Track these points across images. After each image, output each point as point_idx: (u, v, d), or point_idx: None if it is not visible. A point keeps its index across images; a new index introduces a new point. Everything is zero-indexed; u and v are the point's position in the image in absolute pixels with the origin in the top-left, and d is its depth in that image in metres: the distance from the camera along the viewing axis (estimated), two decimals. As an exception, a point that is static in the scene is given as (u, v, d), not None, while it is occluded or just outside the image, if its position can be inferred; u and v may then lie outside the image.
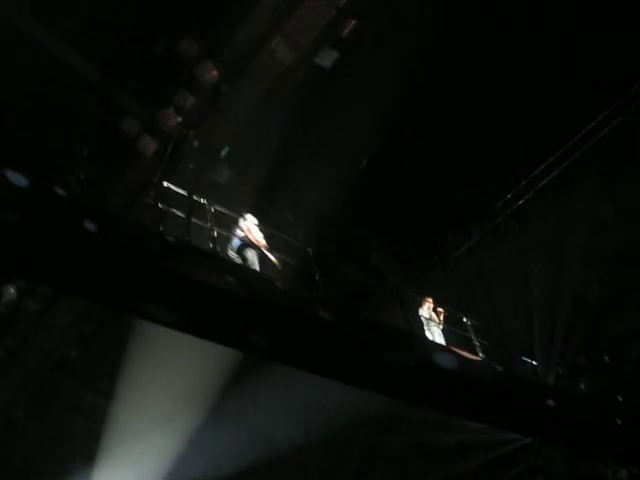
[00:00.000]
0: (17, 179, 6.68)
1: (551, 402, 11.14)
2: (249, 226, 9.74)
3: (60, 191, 7.36)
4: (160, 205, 9.07)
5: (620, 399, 13.84)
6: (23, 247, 6.95)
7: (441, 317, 11.49)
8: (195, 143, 13.29)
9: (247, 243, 9.57)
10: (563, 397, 11.84)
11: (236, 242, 9.61)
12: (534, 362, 13.55)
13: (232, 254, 9.55)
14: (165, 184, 9.65)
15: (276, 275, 9.37)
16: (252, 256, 9.47)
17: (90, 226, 6.97)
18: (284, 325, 8.34)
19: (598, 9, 12.48)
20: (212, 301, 7.83)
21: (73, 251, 7.06)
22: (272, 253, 9.76)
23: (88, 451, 16.70)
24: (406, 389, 9.93)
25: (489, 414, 11.10)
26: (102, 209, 9.35)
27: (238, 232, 9.65)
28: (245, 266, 9.32)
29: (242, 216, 9.85)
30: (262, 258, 9.65)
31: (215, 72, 12.79)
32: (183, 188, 11.41)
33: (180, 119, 13.03)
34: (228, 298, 7.86)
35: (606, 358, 15.04)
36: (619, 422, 11.62)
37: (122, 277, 7.48)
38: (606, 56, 12.72)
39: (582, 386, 15.19)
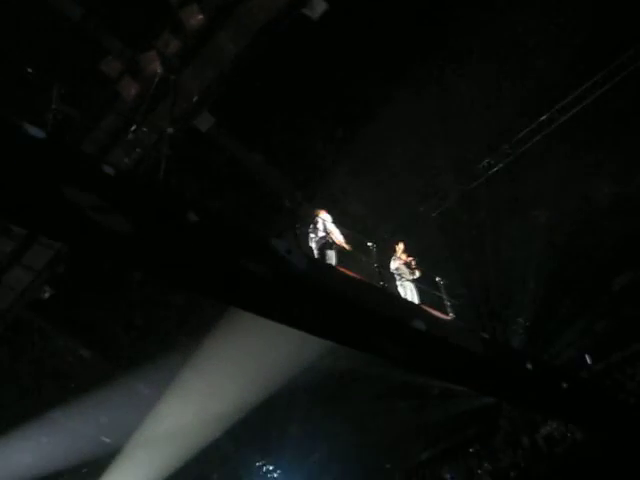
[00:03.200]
0: (35, 132, 6.79)
1: (522, 364, 11.50)
2: (329, 227, 10.29)
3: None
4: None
5: None
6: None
7: (414, 270, 11.62)
8: (177, 88, 13.04)
9: (330, 242, 10.14)
10: (531, 360, 12.14)
11: (318, 239, 10.22)
12: None
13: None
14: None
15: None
16: (332, 255, 10.08)
17: (108, 169, 7.24)
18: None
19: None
20: None
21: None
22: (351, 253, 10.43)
23: (59, 392, 16.88)
24: (382, 350, 10.20)
25: (456, 373, 11.37)
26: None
27: (320, 232, 10.23)
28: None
29: (319, 215, 10.43)
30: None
31: (201, 16, 12.48)
32: (163, 132, 11.27)
33: (163, 62, 12.76)
34: None
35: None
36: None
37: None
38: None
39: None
